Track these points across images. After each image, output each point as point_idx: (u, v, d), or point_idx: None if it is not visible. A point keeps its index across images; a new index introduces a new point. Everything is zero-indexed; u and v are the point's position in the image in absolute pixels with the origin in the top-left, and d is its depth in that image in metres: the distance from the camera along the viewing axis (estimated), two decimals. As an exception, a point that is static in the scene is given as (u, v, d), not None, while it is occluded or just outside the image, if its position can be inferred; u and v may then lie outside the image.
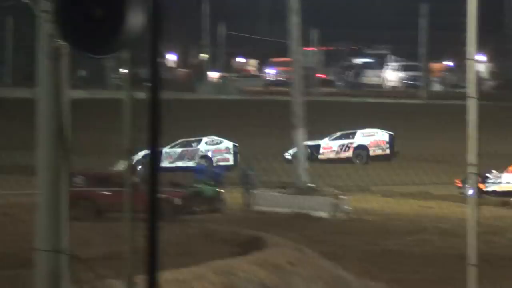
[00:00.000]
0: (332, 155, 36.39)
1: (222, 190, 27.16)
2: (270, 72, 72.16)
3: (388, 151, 37.30)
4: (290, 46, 29.98)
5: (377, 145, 37.36)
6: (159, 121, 5.94)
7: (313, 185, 28.62)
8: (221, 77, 69.00)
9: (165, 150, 33.41)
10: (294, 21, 29.24)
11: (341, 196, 27.60)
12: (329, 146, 37.01)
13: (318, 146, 36.98)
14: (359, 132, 37.27)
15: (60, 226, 6.81)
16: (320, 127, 37.23)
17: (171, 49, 70.09)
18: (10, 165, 31.48)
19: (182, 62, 74.47)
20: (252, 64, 77.42)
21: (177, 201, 24.49)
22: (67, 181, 6.87)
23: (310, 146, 36.54)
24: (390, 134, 37.88)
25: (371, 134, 37.59)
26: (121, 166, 28.77)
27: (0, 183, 27.90)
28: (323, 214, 26.60)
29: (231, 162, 34.79)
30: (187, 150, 35.60)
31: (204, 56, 70.97)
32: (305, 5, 29.77)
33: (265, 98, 58.36)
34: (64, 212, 6.84)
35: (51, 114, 6.81)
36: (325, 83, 67.58)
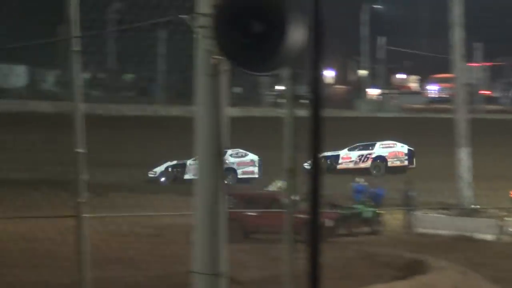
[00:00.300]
0: (351, 165, 36.57)
1: (381, 212, 26.58)
2: (432, 89, 70.77)
3: (406, 162, 37.36)
4: (453, 62, 29.13)
5: (396, 156, 37.36)
6: (320, 138, 5.68)
7: (477, 206, 27.64)
8: (381, 94, 68.19)
9: (189, 162, 32.95)
10: (458, 35, 28.40)
11: (506, 218, 26.55)
12: (348, 156, 37.18)
13: (337, 156, 36.96)
14: (378, 143, 37.60)
15: (218, 248, 6.61)
16: (482, 145, 36.11)
17: (329, 65, 69.96)
18: (164, 184, 31.84)
19: (340, 78, 74.19)
20: (413, 81, 76.17)
21: (328, 222, 23.91)
22: (225, 201, 6.68)
23: (329, 157, 36.16)
24: (409, 149, 37.85)
25: (390, 145, 37.72)
26: (275, 186, 28.53)
27: (155, 204, 28.10)
28: (487, 237, 25.69)
29: (256, 175, 34.44)
30: None
31: (363, 72, 70.41)
32: (469, 19, 28.88)
33: (427, 115, 57.18)
34: (222, 233, 6.64)
35: (210, 132, 6.63)
36: (490, 100, 65.69)
